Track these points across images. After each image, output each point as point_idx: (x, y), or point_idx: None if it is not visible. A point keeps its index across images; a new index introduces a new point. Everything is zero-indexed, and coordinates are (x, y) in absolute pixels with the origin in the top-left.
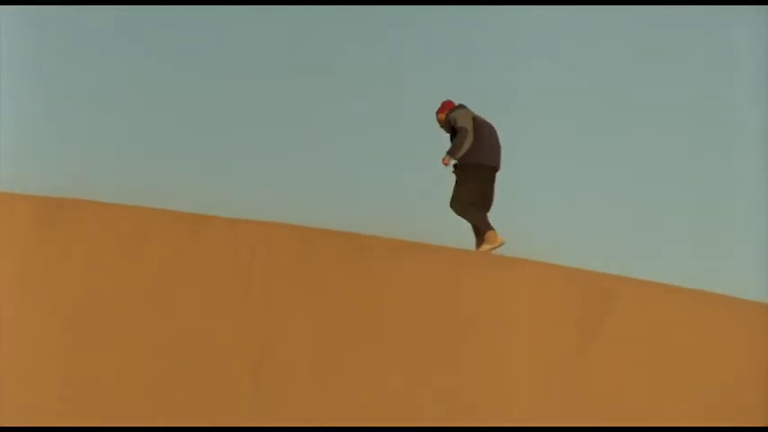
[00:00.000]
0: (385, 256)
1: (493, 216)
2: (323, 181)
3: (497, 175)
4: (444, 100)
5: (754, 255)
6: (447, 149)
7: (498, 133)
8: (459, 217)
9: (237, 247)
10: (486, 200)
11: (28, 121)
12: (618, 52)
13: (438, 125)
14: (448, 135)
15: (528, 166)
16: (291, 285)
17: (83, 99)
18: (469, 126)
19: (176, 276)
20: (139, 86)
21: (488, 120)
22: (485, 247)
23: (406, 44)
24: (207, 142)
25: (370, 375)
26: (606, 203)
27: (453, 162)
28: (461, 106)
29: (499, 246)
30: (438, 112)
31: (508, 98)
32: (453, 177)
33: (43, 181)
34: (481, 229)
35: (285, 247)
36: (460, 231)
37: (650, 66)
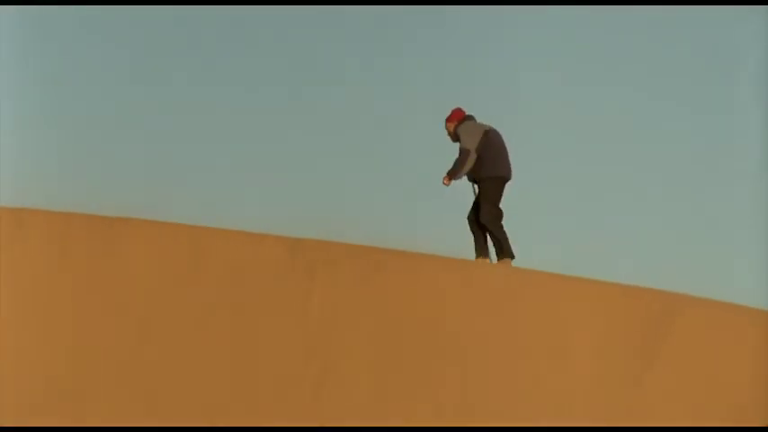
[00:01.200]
0: (445, 273)
1: (522, 233)
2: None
3: (508, 184)
4: (454, 108)
5: (756, 256)
6: (448, 170)
7: (505, 138)
8: (490, 230)
9: (297, 265)
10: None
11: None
12: (618, 52)
13: (446, 133)
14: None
15: (527, 172)
16: (351, 302)
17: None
18: (473, 146)
19: (236, 294)
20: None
21: (495, 126)
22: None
23: (406, 45)
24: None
25: (430, 391)
26: (604, 210)
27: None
28: (470, 117)
29: None
30: (447, 120)
31: (511, 99)
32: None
33: (83, 197)
34: (504, 252)
35: (344, 265)
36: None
37: (650, 66)
